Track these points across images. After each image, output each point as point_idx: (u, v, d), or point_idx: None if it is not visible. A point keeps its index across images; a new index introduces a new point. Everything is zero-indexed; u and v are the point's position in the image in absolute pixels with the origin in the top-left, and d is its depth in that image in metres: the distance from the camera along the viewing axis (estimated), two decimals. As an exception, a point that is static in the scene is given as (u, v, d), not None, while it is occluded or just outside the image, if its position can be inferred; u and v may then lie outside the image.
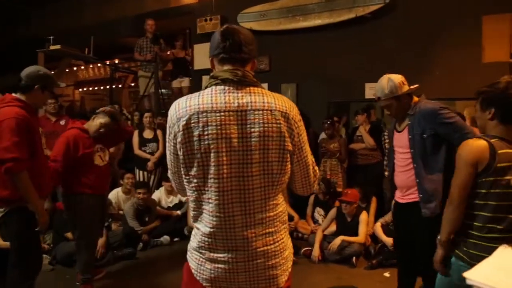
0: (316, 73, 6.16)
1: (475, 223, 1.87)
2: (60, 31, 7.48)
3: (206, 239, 1.42)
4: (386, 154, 4.25)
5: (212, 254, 1.43)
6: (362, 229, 4.41)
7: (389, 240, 4.19)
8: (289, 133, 1.40)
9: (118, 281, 3.90)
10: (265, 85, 6.53)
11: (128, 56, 8.71)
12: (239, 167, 1.36)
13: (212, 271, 1.43)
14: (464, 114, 4.68)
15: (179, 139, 1.38)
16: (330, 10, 5.90)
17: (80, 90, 12.49)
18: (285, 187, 1.51)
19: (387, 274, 3.94)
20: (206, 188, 1.38)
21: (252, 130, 1.35)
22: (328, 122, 5.47)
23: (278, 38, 6.43)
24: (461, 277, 1.28)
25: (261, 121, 1.36)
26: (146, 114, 5.82)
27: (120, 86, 10.97)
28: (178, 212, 5.33)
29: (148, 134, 5.75)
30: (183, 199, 5.33)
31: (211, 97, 1.38)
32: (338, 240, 4.35)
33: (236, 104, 1.37)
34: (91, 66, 11.56)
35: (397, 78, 2.68)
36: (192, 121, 1.36)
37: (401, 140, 2.72)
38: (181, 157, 1.40)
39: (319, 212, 5.19)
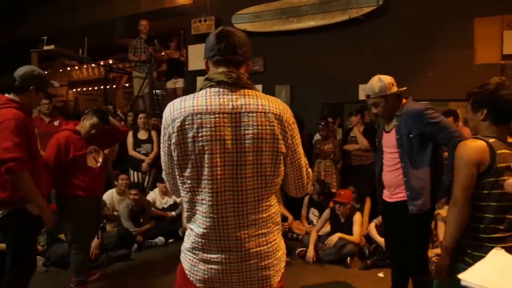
0: (310, 74, 6.19)
1: (481, 225, 1.84)
2: (54, 31, 7.46)
3: (200, 239, 1.43)
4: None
5: (205, 255, 1.44)
6: (357, 229, 4.44)
7: (383, 241, 4.21)
8: (283, 135, 1.41)
9: (113, 282, 3.89)
10: (260, 86, 6.55)
11: (122, 57, 8.68)
12: (232, 168, 1.37)
13: (206, 272, 1.44)
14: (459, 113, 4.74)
15: (173, 140, 1.39)
16: (324, 12, 5.93)
17: (74, 90, 12.43)
18: (278, 189, 1.52)
19: (381, 274, 3.96)
20: (199, 189, 1.40)
21: (246, 132, 1.37)
22: (322, 123, 5.49)
23: (273, 40, 6.46)
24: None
25: (255, 123, 1.37)
26: (141, 115, 5.81)
27: (114, 86, 10.92)
28: (173, 213, 5.33)
29: (142, 135, 5.74)
30: (178, 200, 5.33)
31: (205, 99, 1.39)
32: (335, 237, 4.38)
33: (230, 106, 1.38)
34: (85, 66, 11.51)
35: (387, 79, 2.78)
36: (187, 123, 1.37)
37: (389, 140, 2.80)
38: (175, 158, 1.41)
39: (313, 213, 5.21)
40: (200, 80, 1.50)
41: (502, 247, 1.53)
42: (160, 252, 4.77)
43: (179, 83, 7.27)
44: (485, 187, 1.82)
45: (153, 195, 5.53)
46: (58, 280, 3.81)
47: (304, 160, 1.56)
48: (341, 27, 5.88)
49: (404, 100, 2.82)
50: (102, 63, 8.78)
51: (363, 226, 4.77)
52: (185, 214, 1.50)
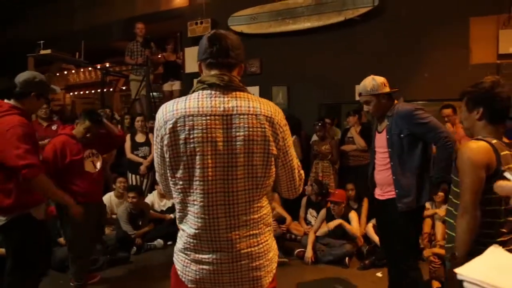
0: (307, 75, 6.21)
1: (491, 231, 1.79)
2: (51, 35, 7.46)
3: (191, 240, 1.45)
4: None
5: (197, 255, 1.45)
6: (355, 224, 4.49)
7: (381, 240, 4.24)
8: (274, 137, 1.43)
9: (112, 285, 3.89)
10: (256, 88, 6.57)
11: (119, 60, 8.68)
12: (223, 170, 1.39)
13: (197, 272, 1.45)
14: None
15: (165, 142, 1.41)
16: (319, 13, 5.96)
17: (71, 94, 12.41)
18: (270, 190, 1.53)
19: (379, 274, 3.97)
20: (191, 190, 1.41)
21: (237, 134, 1.38)
22: (319, 124, 5.51)
23: (269, 41, 6.47)
24: None
25: (246, 125, 1.38)
26: (138, 118, 5.81)
27: (111, 89, 10.92)
28: (171, 215, 5.32)
29: (140, 138, 5.75)
30: (176, 202, 5.32)
31: (197, 101, 1.41)
32: (336, 222, 4.44)
33: (222, 109, 1.39)
34: (81, 70, 11.49)
35: (380, 79, 2.87)
36: (179, 125, 1.39)
37: (380, 140, 2.90)
38: (167, 159, 1.42)
39: (311, 214, 5.22)
40: (196, 82, 1.50)
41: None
42: (159, 254, 4.77)
43: (176, 85, 7.29)
44: (491, 190, 1.68)
45: (151, 198, 5.54)
46: (58, 284, 3.81)
47: (296, 162, 1.57)
48: (336, 28, 5.90)
49: (396, 101, 2.90)
50: (99, 67, 8.76)
51: (361, 226, 4.79)
52: (177, 215, 1.51)
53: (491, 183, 1.65)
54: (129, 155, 5.69)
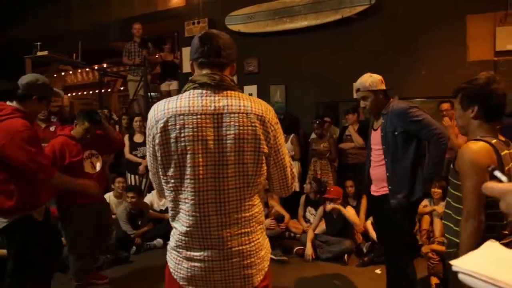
0: (304, 74, 6.22)
1: (493, 234, 1.68)
2: (48, 36, 7.43)
3: (183, 238, 1.46)
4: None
5: (188, 253, 1.46)
6: (354, 219, 4.55)
7: (379, 238, 4.25)
8: (265, 135, 1.44)
9: (113, 285, 3.89)
10: (254, 87, 6.58)
11: (117, 61, 8.67)
12: (214, 168, 1.40)
13: (189, 270, 1.46)
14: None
15: (157, 141, 1.42)
16: (316, 11, 5.96)
17: (69, 95, 12.38)
18: (262, 189, 1.54)
19: (378, 271, 3.99)
20: (183, 188, 1.43)
21: (228, 132, 1.39)
22: (317, 122, 5.52)
23: (266, 40, 6.48)
24: None
25: (236, 124, 1.39)
26: (136, 118, 5.82)
27: (109, 90, 10.89)
28: (170, 215, 5.33)
29: (138, 138, 5.75)
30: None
31: (188, 100, 1.42)
32: (333, 205, 4.54)
33: (212, 108, 1.41)
34: (79, 71, 11.46)
35: (377, 76, 2.94)
36: (170, 124, 1.40)
37: (376, 138, 2.96)
38: (159, 158, 1.44)
39: (310, 212, 5.23)
40: (188, 82, 1.51)
41: None
42: (158, 254, 4.77)
43: (173, 85, 7.29)
44: None
45: (150, 198, 5.54)
46: (59, 283, 3.81)
47: (288, 160, 1.58)
48: (334, 27, 5.91)
49: (391, 100, 2.95)
50: (96, 67, 8.75)
51: (360, 223, 4.80)
52: (169, 213, 1.53)
53: None
54: (127, 155, 5.69)
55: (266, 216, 4.88)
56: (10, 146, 2.44)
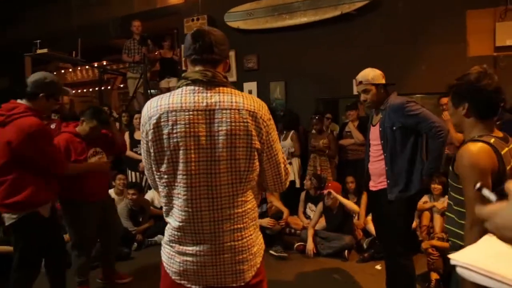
0: (304, 70, 6.22)
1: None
2: (47, 34, 7.44)
3: (176, 232, 1.48)
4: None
5: (181, 247, 1.48)
6: (350, 204, 4.58)
7: (379, 233, 4.26)
8: (257, 131, 1.45)
9: (114, 282, 3.90)
10: (254, 84, 6.58)
11: (116, 58, 8.68)
12: (207, 164, 1.41)
13: (181, 264, 1.48)
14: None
15: (150, 137, 1.44)
16: (316, 7, 5.96)
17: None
18: (255, 185, 1.54)
19: (378, 267, 4.00)
20: (176, 184, 1.44)
21: (220, 128, 1.40)
22: (316, 118, 5.52)
23: (266, 37, 6.48)
24: None
25: (228, 120, 1.40)
26: (136, 116, 5.81)
27: (109, 87, 10.90)
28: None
29: (138, 135, 5.74)
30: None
31: (181, 97, 1.44)
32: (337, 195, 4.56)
33: (204, 104, 1.42)
34: (79, 68, 11.47)
35: (378, 71, 2.98)
36: (162, 120, 1.42)
37: (374, 133, 2.99)
38: (152, 154, 1.45)
39: (310, 208, 5.24)
40: (181, 78, 1.53)
41: None
42: (159, 250, 4.73)
43: (173, 82, 7.28)
44: (497, 195, 1.60)
45: (151, 194, 5.55)
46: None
47: (281, 156, 1.59)
48: (333, 23, 5.90)
49: (389, 95, 2.98)
50: (96, 65, 8.76)
51: (360, 219, 4.82)
52: (163, 209, 1.54)
53: (497, 188, 1.53)
54: (128, 152, 5.69)
55: (265, 212, 4.90)
56: (25, 144, 2.53)
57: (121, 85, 10.86)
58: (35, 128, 2.56)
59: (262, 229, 4.55)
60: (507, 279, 0.92)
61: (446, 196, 4.15)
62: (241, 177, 1.44)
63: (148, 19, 7.34)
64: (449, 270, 1.66)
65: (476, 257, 0.99)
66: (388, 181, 2.87)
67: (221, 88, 1.46)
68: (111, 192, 5.23)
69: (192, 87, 1.45)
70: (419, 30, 5.39)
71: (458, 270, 1.04)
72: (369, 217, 4.65)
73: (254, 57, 6.64)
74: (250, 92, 6.68)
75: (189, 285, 1.49)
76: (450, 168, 1.74)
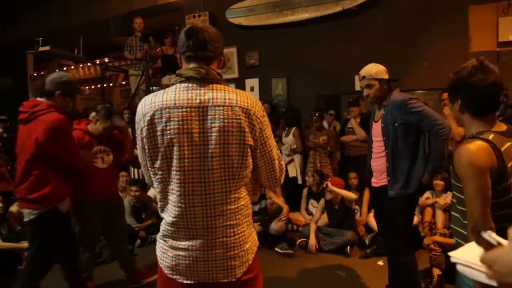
0: (306, 66, 6.21)
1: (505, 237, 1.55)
2: (49, 32, 7.45)
3: (169, 227, 1.50)
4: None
5: (174, 242, 1.50)
6: (347, 192, 4.61)
7: (381, 229, 4.26)
8: (250, 128, 1.46)
9: (117, 277, 3.92)
10: (256, 80, 6.58)
11: (118, 55, 8.67)
12: (200, 160, 1.42)
13: (174, 259, 1.50)
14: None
15: (144, 134, 1.46)
16: (317, 3, 5.94)
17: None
18: (249, 182, 1.55)
19: (380, 263, 4.01)
20: (170, 180, 1.46)
21: (213, 125, 1.42)
22: (316, 115, 5.52)
23: (267, 33, 6.47)
24: None
25: (221, 117, 1.42)
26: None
27: (111, 85, 10.92)
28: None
29: (140, 132, 5.75)
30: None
31: (174, 94, 1.45)
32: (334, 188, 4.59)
33: (198, 101, 1.43)
34: (81, 65, 11.48)
35: (382, 66, 2.98)
36: (156, 117, 1.43)
37: (376, 129, 2.99)
38: (146, 150, 1.47)
39: (313, 204, 5.24)
40: (175, 76, 1.55)
41: None
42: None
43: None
44: (500, 194, 1.53)
45: (154, 191, 5.55)
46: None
47: (276, 153, 1.60)
48: (334, 19, 5.88)
49: (392, 91, 2.97)
50: (98, 62, 8.75)
51: (362, 215, 4.83)
52: (158, 204, 1.56)
53: (499, 187, 1.51)
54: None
55: (265, 208, 4.90)
56: (49, 139, 2.64)
57: (123, 82, 10.87)
58: (59, 122, 2.69)
59: (267, 229, 4.60)
60: None
61: (448, 192, 4.16)
62: (234, 173, 1.45)
63: (149, 16, 7.34)
64: (451, 266, 1.59)
65: (476, 254, 0.99)
66: (389, 178, 2.88)
67: (214, 85, 1.47)
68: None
69: (185, 84, 1.46)
70: (421, 25, 5.36)
71: (459, 267, 1.04)
72: (371, 213, 4.66)
73: (256, 54, 6.64)
74: (252, 88, 6.68)
75: (180, 280, 1.51)
76: (451, 166, 1.69)
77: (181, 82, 1.48)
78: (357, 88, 5.56)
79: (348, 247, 4.34)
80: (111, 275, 3.98)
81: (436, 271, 3.50)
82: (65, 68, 11.76)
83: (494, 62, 2.18)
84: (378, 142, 2.97)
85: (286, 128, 5.69)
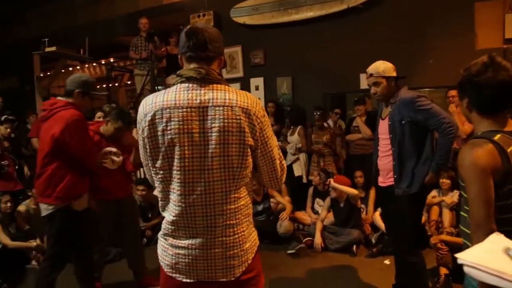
0: (311, 65, 6.19)
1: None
2: (55, 32, 7.49)
3: (170, 226, 1.51)
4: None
5: (174, 241, 1.51)
6: (348, 188, 4.59)
7: (388, 228, 4.25)
8: (250, 128, 1.46)
9: (124, 277, 3.94)
10: (261, 79, 6.57)
11: (123, 55, 8.70)
12: (200, 160, 1.44)
13: (173, 257, 1.51)
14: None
15: (145, 134, 1.47)
16: (322, 2, 5.92)
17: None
18: (249, 182, 1.56)
19: (387, 262, 4.00)
20: (171, 179, 1.48)
21: (213, 125, 1.43)
22: (319, 113, 5.51)
23: (272, 32, 6.46)
24: None
25: (221, 117, 1.43)
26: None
27: (116, 84, 10.95)
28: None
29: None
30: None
31: (175, 94, 1.46)
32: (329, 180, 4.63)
33: (198, 101, 1.44)
34: (86, 66, 11.52)
35: (390, 64, 2.95)
36: (157, 117, 1.45)
37: (383, 127, 2.97)
38: (147, 150, 1.49)
39: (318, 203, 5.24)
40: (175, 76, 1.56)
41: None
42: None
43: (179, 78, 7.29)
44: (505, 196, 1.48)
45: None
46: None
47: (277, 152, 1.60)
48: (339, 17, 5.86)
49: (400, 89, 2.95)
50: (103, 62, 8.79)
51: (368, 214, 4.82)
52: (160, 203, 1.57)
53: (503, 189, 1.47)
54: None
55: (268, 208, 4.90)
56: (66, 133, 2.72)
57: (129, 82, 10.90)
58: (75, 118, 2.77)
59: (274, 229, 4.60)
60: None
61: (455, 191, 4.13)
62: (234, 173, 1.46)
63: (154, 16, 7.35)
64: (458, 265, 1.54)
65: (483, 256, 0.99)
66: (395, 176, 2.87)
67: (215, 85, 1.48)
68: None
69: (186, 85, 1.47)
70: (427, 23, 5.33)
71: (465, 269, 1.04)
72: (377, 212, 4.65)
73: (261, 53, 6.63)
74: (257, 87, 6.68)
75: (180, 278, 1.52)
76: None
77: (181, 82, 1.49)
78: (363, 86, 5.57)
79: (354, 246, 4.34)
80: (119, 274, 4.00)
81: (443, 270, 3.48)
82: (70, 68, 11.81)
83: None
84: (385, 140, 2.96)
85: (291, 127, 5.69)
